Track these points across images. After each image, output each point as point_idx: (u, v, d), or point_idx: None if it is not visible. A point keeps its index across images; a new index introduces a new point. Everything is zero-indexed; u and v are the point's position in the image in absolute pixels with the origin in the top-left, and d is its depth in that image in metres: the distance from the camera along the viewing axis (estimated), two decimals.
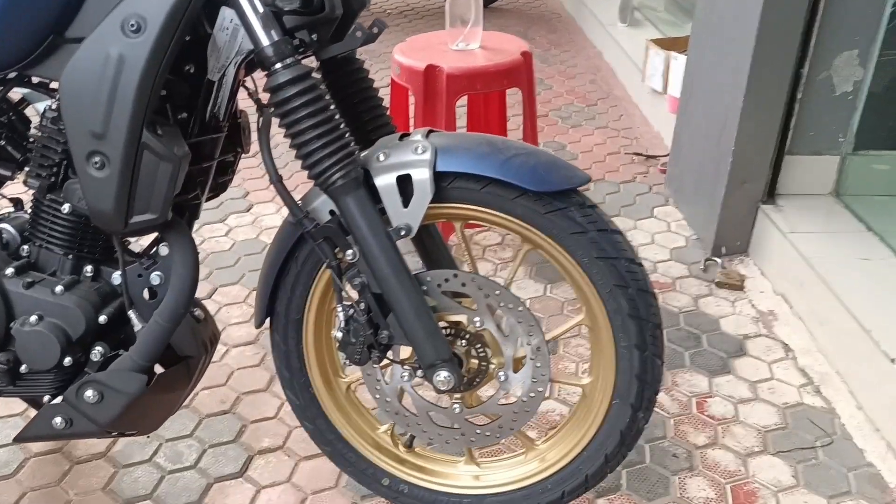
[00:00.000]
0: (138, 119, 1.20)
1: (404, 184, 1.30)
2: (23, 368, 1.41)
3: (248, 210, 2.99)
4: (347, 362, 1.42)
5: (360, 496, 1.76)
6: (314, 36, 1.28)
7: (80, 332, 1.36)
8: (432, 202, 1.30)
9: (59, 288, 1.36)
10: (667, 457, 1.86)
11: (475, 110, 2.98)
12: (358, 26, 1.34)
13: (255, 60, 1.26)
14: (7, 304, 1.38)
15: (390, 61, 2.64)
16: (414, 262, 1.47)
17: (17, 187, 1.46)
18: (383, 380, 1.50)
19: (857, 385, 2.04)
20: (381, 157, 1.31)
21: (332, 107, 1.27)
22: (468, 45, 2.59)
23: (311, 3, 1.25)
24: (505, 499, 1.57)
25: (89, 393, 1.37)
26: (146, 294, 1.40)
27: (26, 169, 1.39)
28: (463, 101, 2.74)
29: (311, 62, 1.33)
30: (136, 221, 1.27)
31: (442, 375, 1.36)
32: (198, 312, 1.51)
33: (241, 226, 2.89)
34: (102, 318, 1.38)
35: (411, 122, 2.78)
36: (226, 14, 1.24)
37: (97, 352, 1.39)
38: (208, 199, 1.49)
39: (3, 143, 1.41)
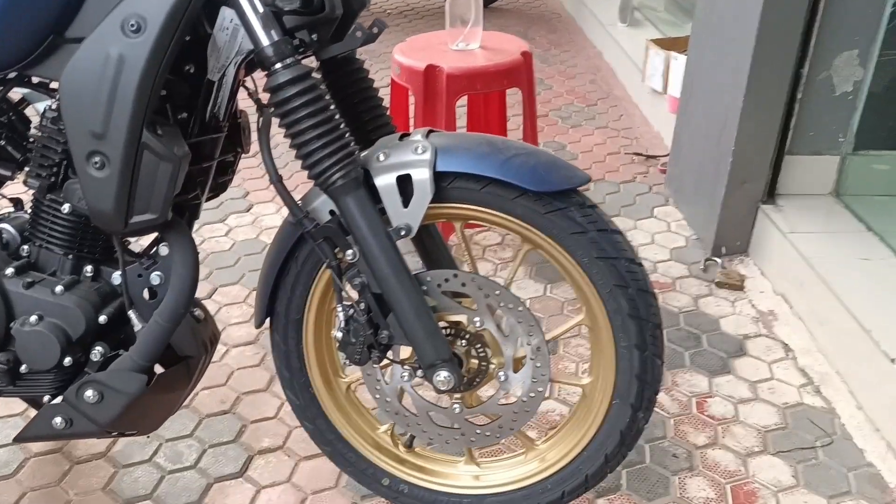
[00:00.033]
0: (138, 119, 1.20)
1: (404, 184, 1.30)
2: (23, 368, 1.41)
3: (248, 210, 2.99)
4: (347, 362, 1.42)
5: (360, 496, 1.76)
6: (314, 36, 1.28)
7: (80, 332, 1.36)
8: (432, 202, 1.30)
9: (59, 288, 1.36)
10: (667, 457, 1.86)
11: (475, 110, 2.97)
12: (358, 26, 1.34)
13: (255, 60, 1.26)
14: (7, 304, 1.38)
15: (390, 61, 2.64)
16: (414, 262, 1.46)
17: (18, 187, 1.46)
18: (383, 380, 1.50)
19: (857, 385, 2.04)
20: (381, 157, 1.31)
21: (332, 107, 1.27)
22: (468, 45, 2.59)
23: (311, 3, 1.25)
24: (505, 499, 1.57)
25: (89, 393, 1.37)
26: (146, 294, 1.40)
27: (26, 169, 1.39)
28: (463, 101, 2.74)
29: (311, 62, 1.33)
30: (136, 221, 1.27)
31: (442, 375, 1.36)
32: (198, 312, 1.51)
33: (241, 226, 2.89)
34: (102, 318, 1.38)
35: (411, 122, 2.78)
36: (226, 14, 1.24)
37: (97, 352, 1.39)
38: (208, 199, 1.49)
39: (3, 143, 1.41)
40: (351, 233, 1.31)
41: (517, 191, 1.32)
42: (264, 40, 1.20)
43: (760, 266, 2.58)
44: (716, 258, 2.63)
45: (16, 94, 1.42)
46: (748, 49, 2.35)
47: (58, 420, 1.42)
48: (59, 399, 1.41)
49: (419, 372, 1.40)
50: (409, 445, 1.66)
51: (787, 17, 2.31)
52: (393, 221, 1.31)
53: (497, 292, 1.38)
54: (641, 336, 1.38)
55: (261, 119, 1.35)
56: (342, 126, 1.27)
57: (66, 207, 1.36)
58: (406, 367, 1.44)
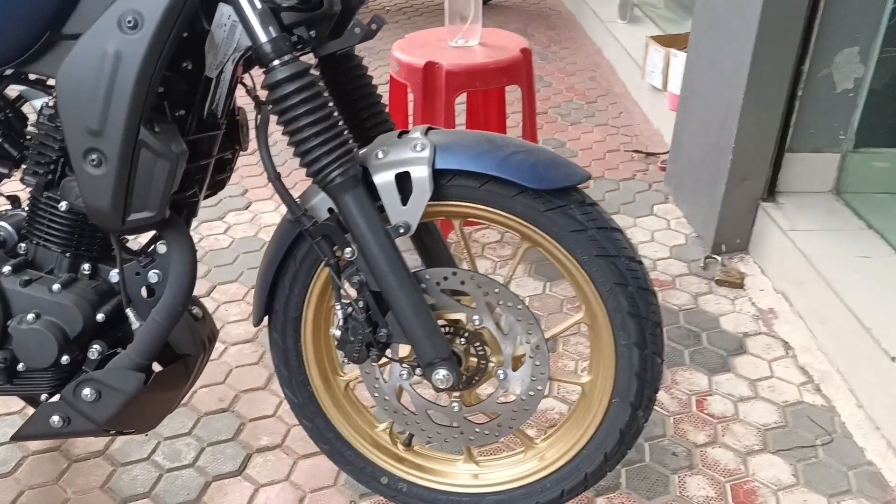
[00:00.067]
0: (135, 116, 1.19)
1: (403, 181, 1.29)
2: (20, 367, 1.40)
3: (246, 208, 2.99)
4: (346, 360, 1.42)
5: (358, 494, 1.75)
6: (312, 32, 1.28)
7: (78, 331, 1.35)
8: (431, 200, 1.30)
9: (56, 286, 1.36)
10: (666, 455, 1.86)
11: (474, 107, 2.97)
12: (356, 23, 1.34)
13: (253, 57, 1.25)
14: (4, 302, 1.37)
15: (389, 58, 2.63)
16: (413, 259, 1.46)
17: (15, 185, 1.45)
18: (382, 378, 1.49)
19: (857, 383, 2.03)
20: (380, 155, 1.31)
21: (331, 104, 1.26)
22: (467, 42, 2.59)
23: (309, 0, 1.24)
24: (504, 497, 1.57)
25: (87, 391, 1.37)
26: (144, 292, 1.39)
27: (23, 166, 1.38)
28: (462, 98, 2.73)
29: (310, 59, 1.33)
30: (134, 219, 1.27)
31: (441, 374, 1.36)
32: (196, 310, 1.50)
33: (239, 223, 2.89)
34: (100, 317, 1.37)
35: (410, 119, 2.77)
36: (223, 10, 1.24)
37: (95, 350, 1.39)
38: (206, 197, 1.48)
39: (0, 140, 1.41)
40: (349, 231, 1.30)
41: (516, 188, 1.31)
42: (262, 37, 1.20)
43: (760, 264, 2.57)
44: (716, 256, 2.62)
45: (13, 90, 1.41)
46: (748, 46, 2.35)
47: (55, 418, 1.41)
48: (56, 397, 1.41)
49: (418, 370, 1.40)
50: (408, 444, 1.65)
51: (787, 13, 2.30)
52: (391, 219, 1.31)
53: (496, 290, 1.37)
54: (641, 334, 1.37)
55: (259, 116, 1.35)
56: (340, 123, 1.27)
57: (63, 205, 1.36)
58: (405, 365, 1.44)
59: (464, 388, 1.44)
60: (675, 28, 4.13)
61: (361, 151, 1.33)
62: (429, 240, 1.59)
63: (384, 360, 1.43)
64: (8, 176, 1.44)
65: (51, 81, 1.29)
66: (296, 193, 1.35)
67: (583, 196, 1.34)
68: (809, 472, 1.81)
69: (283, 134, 1.26)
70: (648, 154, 3.39)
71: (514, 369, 1.43)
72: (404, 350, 1.43)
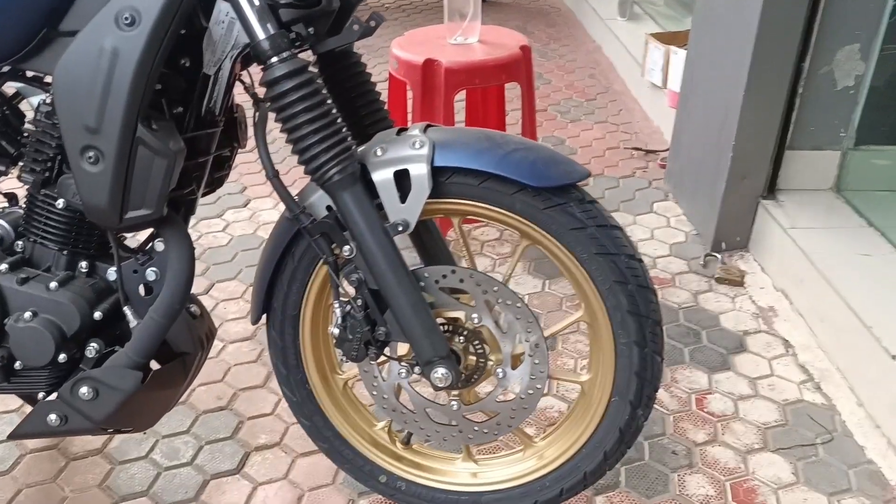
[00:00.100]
0: (133, 113, 1.19)
1: (402, 179, 1.29)
2: (17, 365, 1.40)
3: (245, 205, 2.98)
4: (344, 359, 1.41)
5: (357, 493, 1.75)
6: (311, 29, 1.27)
7: (75, 329, 1.35)
8: (430, 197, 1.29)
9: (53, 284, 1.35)
10: (666, 454, 1.85)
11: (473, 105, 2.96)
12: (355, 20, 1.33)
13: (251, 54, 1.24)
14: (1, 300, 1.37)
15: (388, 56, 2.62)
16: (411, 257, 1.45)
17: (12, 182, 1.44)
18: (380, 376, 1.49)
19: (857, 382, 2.03)
20: (379, 152, 1.30)
21: (329, 101, 1.25)
22: (466, 40, 2.58)
23: None
24: (503, 496, 1.57)
25: (84, 390, 1.36)
26: (142, 290, 1.39)
27: (21, 164, 1.38)
28: (461, 95, 2.73)
29: (308, 56, 1.32)
30: (131, 217, 1.26)
31: (439, 372, 1.36)
32: (194, 308, 1.49)
33: (238, 221, 2.88)
34: (97, 315, 1.37)
35: (409, 116, 2.77)
36: (221, 7, 1.23)
37: (92, 348, 1.38)
38: (204, 195, 1.48)
39: None
40: (348, 228, 1.30)
41: (516, 186, 1.31)
42: (260, 34, 1.19)
43: (761, 262, 2.57)
44: (716, 254, 2.62)
45: (10, 87, 1.41)
46: (749, 43, 2.34)
47: (52, 417, 1.41)
48: (53, 396, 1.40)
49: (416, 369, 1.40)
50: (407, 442, 1.65)
51: (788, 10, 2.29)
52: (390, 217, 1.30)
53: (495, 288, 1.37)
54: (641, 333, 1.37)
55: (257, 114, 1.34)
56: (339, 121, 1.26)
57: (60, 203, 1.35)
58: (403, 363, 1.43)
59: (463, 387, 1.44)
60: (674, 25, 4.13)
61: (360, 149, 1.32)
62: (427, 238, 1.58)
63: (383, 358, 1.42)
64: (5, 173, 1.44)
65: (48, 79, 1.28)
66: (294, 191, 1.35)
67: (582, 193, 1.34)
68: (809, 470, 1.80)
69: (282, 131, 1.25)
70: (648, 151, 3.38)
71: (513, 368, 1.42)
72: (403, 348, 1.43)
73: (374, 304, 1.34)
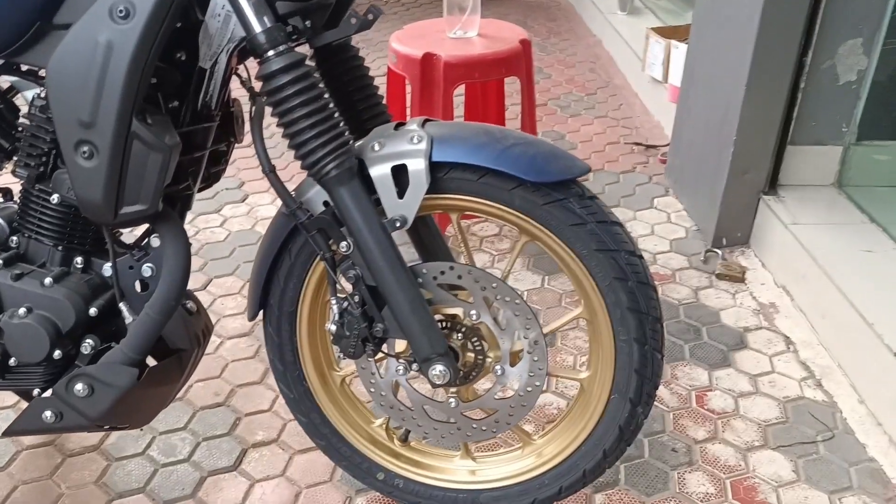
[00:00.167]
0: (127, 107, 1.17)
1: (399, 174, 1.28)
2: (12, 361, 1.39)
3: (243, 200, 2.97)
4: (342, 355, 1.40)
5: (354, 490, 1.74)
6: (308, 22, 1.26)
7: (70, 325, 1.34)
8: (428, 193, 1.28)
9: (48, 280, 1.34)
10: (666, 451, 1.84)
11: (473, 99, 2.95)
12: (353, 13, 1.32)
13: (247, 48, 1.23)
14: None
15: (387, 49, 2.61)
16: (409, 253, 1.44)
17: (7, 177, 1.43)
18: (378, 373, 1.48)
19: (858, 379, 2.02)
20: (376, 147, 1.29)
21: (326, 95, 1.24)
22: (466, 33, 2.57)
23: None
24: (501, 494, 1.56)
25: (79, 386, 1.35)
26: (137, 286, 1.38)
27: (15, 158, 1.37)
28: (460, 89, 2.72)
29: (305, 49, 1.31)
30: (126, 212, 1.25)
31: (437, 369, 1.35)
32: (190, 305, 1.49)
33: (235, 216, 2.87)
34: (93, 311, 1.36)
35: (408, 111, 2.75)
36: (217, 0, 1.22)
37: (87, 345, 1.37)
38: (201, 190, 1.46)
39: None
40: (345, 224, 1.29)
41: (515, 181, 1.29)
42: (256, 27, 1.18)
43: (761, 257, 2.56)
44: (716, 249, 2.61)
45: (4, 81, 1.39)
46: (750, 37, 2.33)
47: (47, 414, 1.40)
48: (48, 392, 1.39)
49: (414, 366, 1.39)
50: (405, 440, 1.64)
51: (790, 4, 2.28)
52: (388, 213, 1.29)
53: (494, 285, 1.36)
54: (641, 330, 1.36)
55: (254, 108, 1.33)
56: (336, 115, 1.25)
57: (55, 198, 1.34)
58: (401, 360, 1.42)
59: (461, 384, 1.43)
60: (675, 19, 4.12)
61: (357, 144, 1.31)
62: (426, 233, 1.57)
63: (380, 355, 1.41)
64: None
65: (43, 72, 1.27)
66: (291, 186, 1.33)
67: (582, 189, 1.33)
68: (810, 468, 1.80)
69: (278, 126, 1.24)
70: (649, 146, 3.37)
71: (512, 365, 1.42)
72: (401, 345, 1.42)
73: (372, 300, 1.33)
